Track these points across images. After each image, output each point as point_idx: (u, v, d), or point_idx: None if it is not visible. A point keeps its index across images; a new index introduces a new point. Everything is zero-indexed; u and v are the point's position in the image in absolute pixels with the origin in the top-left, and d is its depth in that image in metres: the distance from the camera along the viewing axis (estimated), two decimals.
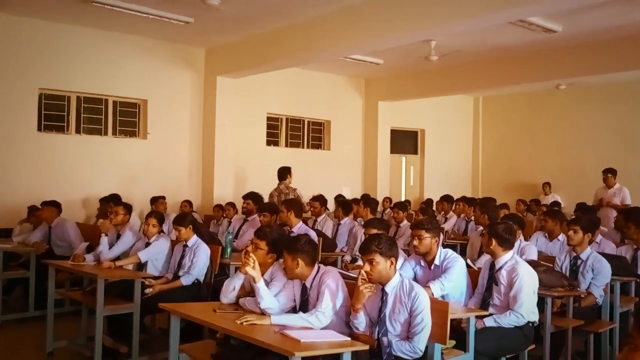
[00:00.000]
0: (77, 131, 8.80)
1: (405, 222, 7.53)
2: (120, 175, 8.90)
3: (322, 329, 3.31)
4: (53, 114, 8.57)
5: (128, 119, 9.32)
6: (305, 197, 8.28)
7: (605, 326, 4.73)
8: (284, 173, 8.16)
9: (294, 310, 3.58)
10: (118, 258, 5.60)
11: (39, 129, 8.37)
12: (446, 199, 9.44)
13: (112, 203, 6.42)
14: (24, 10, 7.69)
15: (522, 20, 7.46)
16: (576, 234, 4.81)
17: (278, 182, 8.12)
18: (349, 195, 10.40)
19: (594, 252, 4.86)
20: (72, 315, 6.17)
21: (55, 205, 6.94)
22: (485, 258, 4.58)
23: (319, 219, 7.56)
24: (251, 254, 3.57)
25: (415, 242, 4.15)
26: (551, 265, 4.72)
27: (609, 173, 8.93)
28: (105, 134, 9.08)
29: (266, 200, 7.65)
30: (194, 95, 9.79)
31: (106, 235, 5.66)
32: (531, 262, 4.25)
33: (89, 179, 8.65)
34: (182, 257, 5.28)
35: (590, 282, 4.70)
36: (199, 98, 9.83)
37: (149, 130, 9.34)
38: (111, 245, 5.67)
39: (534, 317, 3.95)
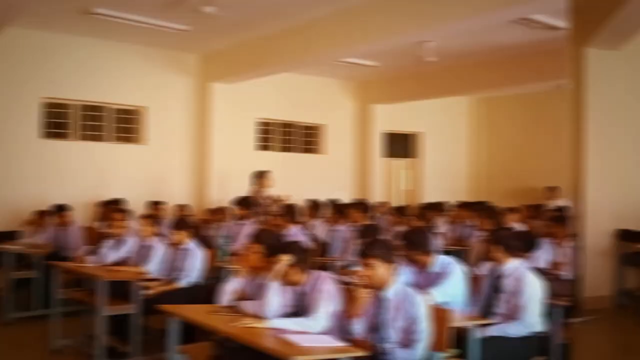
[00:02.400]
0: (78, 138, 8.72)
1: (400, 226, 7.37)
2: (119, 180, 8.81)
3: (319, 333, 3.26)
4: (55, 121, 8.49)
5: (128, 125, 9.24)
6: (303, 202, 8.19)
7: None
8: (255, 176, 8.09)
9: (287, 315, 3.51)
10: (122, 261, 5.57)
11: (41, 136, 8.29)
12: (433, 206, 8.96)
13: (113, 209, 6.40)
14: (27, 23, 7.58)
15: (525, 18, 7.06)
16: None
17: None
18: (343, 199, 10.33)
19: None
20: (74, 315, 6.08)
21: (70, 210, 7.03)
22: (488, 266, 4.44)
23: (312, 223, 7.50)
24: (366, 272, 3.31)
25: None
26: (558, 273, 4.58)
27: None
28: (106, 140, 8.99)
29: None
30: (190, 101, 9.70)
31: (109, 239, 5.62)
32: (538, 270, 4.06)
33: (90, 184, 8.55)
34: (179, 260, 5.23)
35: None
36: (195, 104, 9.75)
37: (148, 136, 9.26)
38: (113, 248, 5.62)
39: (541, 326, 3.75)
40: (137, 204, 8.23)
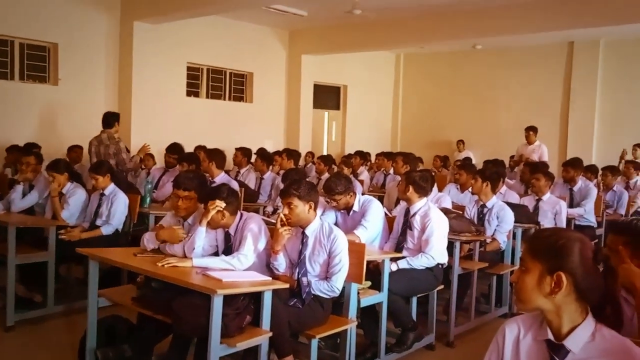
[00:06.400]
0: None
1: (326, 174, 7.71)
2: (30, 122, 8.48)
3: (244, 271, 3.42)
4: None
5: (37, 63, 8.83)
6: (229, 150, 8.20)
7: (507, 269, 5.15)
8: (109, 120, 7.11)
9: (215, 255, 3.65)
10: (31, 208, 5.45)
11: None
12: (358, 154, 9.72)
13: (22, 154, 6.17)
14: None
15: None
16: (476, 182, 5.22)
17: (102, 129, 7.15)
18: (271, 148, 10.46)
19: (499, 201, 5.25)
20: None
21: None
22: (401, 207, 4.84)
23: (242, 171, 7.60)
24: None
25: (334, 204, 4.39)
26: (461, 212, 5.04)
27: (531, 131, 9.31)
28: (12, 78, 8.57)
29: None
30: (109, 40, 9.39)
31: (20, 184, 5.46)
32: (442, 210, 4.54)
33: None
34: (99, 205, 5.20)
35: (495, 229, 5.09)
36: (115, 43, 9.45)
37: (60, 76, 8.91)
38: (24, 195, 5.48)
39: (444, 259, 4.26)
40: (54, 148, 8.00)
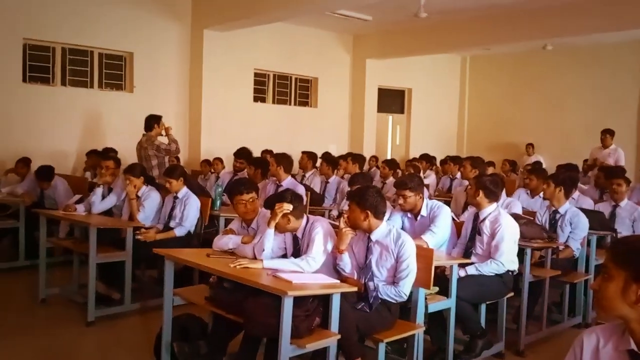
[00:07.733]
0: (63, 83, 8.75)
1: (391, 178, 7.70)
2: (108, 128, 8.91)
3: (313, 273, 3.47)
4: (38, 65, 8.50)
5: (114, 71, 9.27)
6: (295, 155, 8.32)
7: (581, 277, 4.98)
8: (150, 122, 7.08)
9: (284, 257, 3.73)
10: (110, 209, 5.73)
11: (24, 80, 8.32)
12: (424, 157, 9.65)
13: (101, 158, 6.48)
14: None
15: None
16: (548, 187, 5.05)
17: (143, 132, 7.09)
18: (335, 152, 10.52)
19: (573, 207, 5.07)
20: (62, 265, 6.29)
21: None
22: (470, 212, 4.77)
23: (307, 174, 7.70)
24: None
25: (401, 201, 4.35)
26: (532, 218, 4.91)
27: (607, 133, 8.89)
28: (91, 86, 9.04)
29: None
30: (180, 48, 9.73)
31: (99, 186, 5.76)
32: (513, 215, 4.44)
33: (75, 132, 8.65)
34: (173, 208, 5.40)
35: (569, 236, 4.93)
36: (186, 51, 9.78)
37: (135, 84, 9.31)
38: (103, 198, 5.76)
39: (514, 266, 4.17)
40: (128, 153, 8.35)
